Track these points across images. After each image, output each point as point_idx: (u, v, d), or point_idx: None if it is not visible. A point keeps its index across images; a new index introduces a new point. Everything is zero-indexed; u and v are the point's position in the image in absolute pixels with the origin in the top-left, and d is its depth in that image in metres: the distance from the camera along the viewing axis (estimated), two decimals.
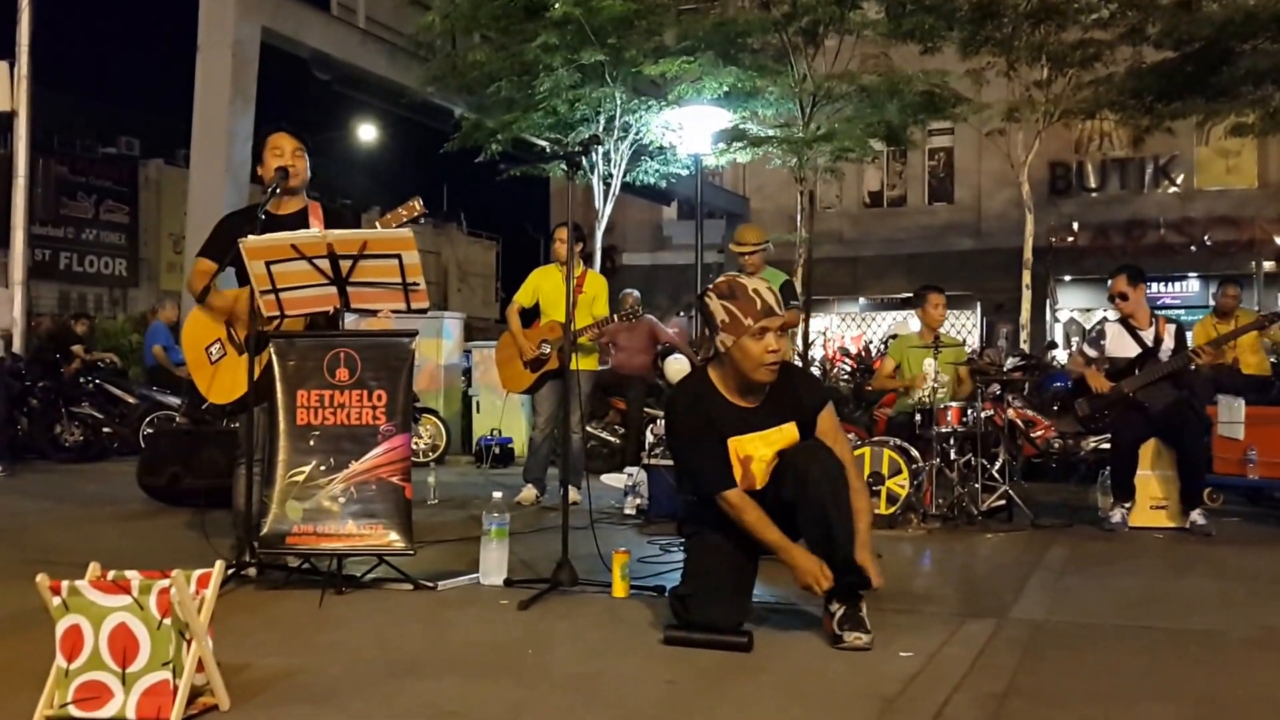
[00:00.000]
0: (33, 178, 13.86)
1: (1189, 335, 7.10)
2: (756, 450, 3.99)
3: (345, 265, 4.69)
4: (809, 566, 3.81)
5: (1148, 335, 7.00)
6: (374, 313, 5.02)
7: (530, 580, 4.75)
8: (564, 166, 5.37)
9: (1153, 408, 6.87)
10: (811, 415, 4.04)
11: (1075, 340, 24.17)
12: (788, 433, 4.00)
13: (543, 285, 8.00)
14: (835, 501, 3.79)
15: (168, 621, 2.84)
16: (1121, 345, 7.09)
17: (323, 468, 4.67)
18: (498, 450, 11.42)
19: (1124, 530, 6.81)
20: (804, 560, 3.83)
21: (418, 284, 4.77)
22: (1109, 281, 7.24)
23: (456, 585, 4.79)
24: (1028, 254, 17.11)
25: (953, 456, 7.11)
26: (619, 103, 15.27)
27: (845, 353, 17.31)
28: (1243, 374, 9.58)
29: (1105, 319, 8.29)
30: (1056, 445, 9.77)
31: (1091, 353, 7.26)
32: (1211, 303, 9.47)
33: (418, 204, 5.28)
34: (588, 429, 9.11)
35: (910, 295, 8.28)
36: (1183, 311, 19.97)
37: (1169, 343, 6.97)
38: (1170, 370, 6.88)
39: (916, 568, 5.86)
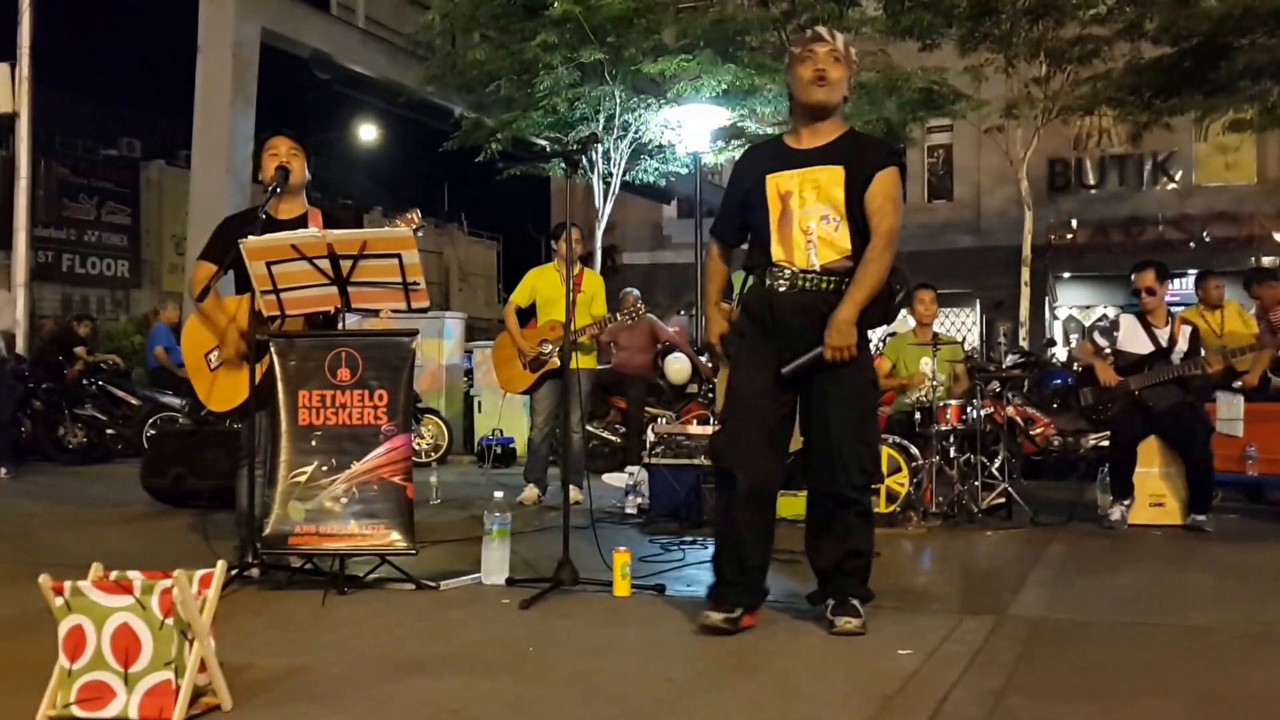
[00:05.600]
0: (34, 179, 13.87)
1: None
2: (795, 186, 4.01)
3: (345, 265, 4.71)
4: (715, 324, 4.28)
5: (1162, 335, 6.96)
6: (375, 312, 5.05)
7: (532, 579, 4.77)
8: (563, 165, 5.39)
9: (1156, 407, 6.87)
10: (869, 169, 3.97)
11: (1075, 337, 24.16)
12: (831, 173, 3.98)
13: (539, 285, 8.01)
14: (854, 517, 4.01)
15: (170, 622, 2.85)
16: (1134, 341, 7.03)
17: (325, 468, 4.68)
18: (499, 450, 11.44)
19: (1123, 528, 6.83)
20: (714, 320, 4.29)
21: (418, 284, 4.78)
22: (1133, 276, 7.13)
23: (459, 585, 4.80)
24: (1027, 251, 17.08)
25: (952, 454, 7.13)
26: (618, 101, 15.28)
27: None
28: (1239, 371, 9.58)
29: (1122, 312, 8.25)
30: (1056, 443, 9.78)
31: (1102, 342, 7.25)
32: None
33: (416, 216, 5.29)
34: (588, 428, 9.13)
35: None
36: (1181, 308, 19.98)
37: (1183, 345, 6.92)
38: (1180, 374, 6.85)
39: (916, 565, 5.88)
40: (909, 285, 4.16)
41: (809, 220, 3.97)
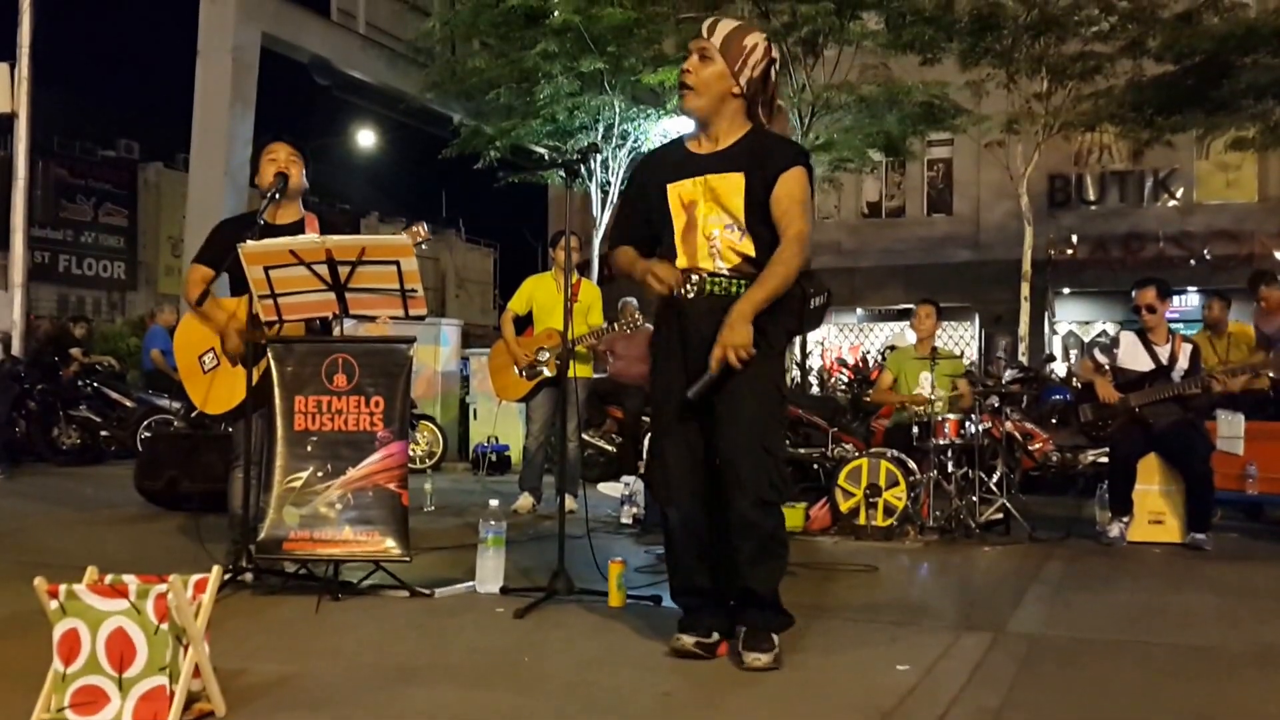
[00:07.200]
0: (32, 180, 13.86)
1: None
2: (698, 195, 3.81)
3: (344, 271, 4.69)
4: (663, 274, 3.74)
5: (1163, 352, 6.94)
6: (372, 319, 5.03)
7: (527, 589, 4.74)
8: (562, 174, 5.38)
9: (1156, 425, 6.86)
10: (772, 173, 3.73)
11: (1074, 353, 24.18)
12: (729, 182, 3.75)
13: (537, 293, 8.00)
14: (753, 550, 3.68)
15: (165, 626, 2.84)
16: (1135, 358, 7.01)
17: (320, 474, 4.66)
18: (494, 458, 11.41)
19: (1122, 544, 6.80)
20: (661, 270, 3.76)
21: (415, 290, 4.77)
22: (1134, 292, 7.12)
23: (453, 593, 4.78)
24: (1026, 266, 17.10)
25: (950, 469, 7.11)
26: (618, 111, 15.30)
27: (843, 363, 17.33)
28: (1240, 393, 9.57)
29: (1122, 328, 8.23)
30: (1055, 458, 9.76)
31: (1102, 359, 7.23)
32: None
33: (422, 229, 5.27)
34: (584, 437, 9.10)
35: (908, 307, 8.32)
36: (1182, 325, 19.97)
37: (1183, 363, 6.90)
38: (1180, 392, 6.84)
39: (913, 580, 5.86)
40: (828, 292, 3.88)
41: (712, 229, 3.77)
